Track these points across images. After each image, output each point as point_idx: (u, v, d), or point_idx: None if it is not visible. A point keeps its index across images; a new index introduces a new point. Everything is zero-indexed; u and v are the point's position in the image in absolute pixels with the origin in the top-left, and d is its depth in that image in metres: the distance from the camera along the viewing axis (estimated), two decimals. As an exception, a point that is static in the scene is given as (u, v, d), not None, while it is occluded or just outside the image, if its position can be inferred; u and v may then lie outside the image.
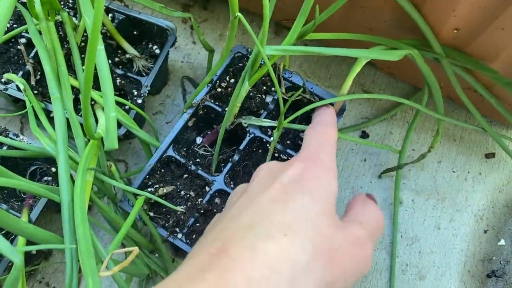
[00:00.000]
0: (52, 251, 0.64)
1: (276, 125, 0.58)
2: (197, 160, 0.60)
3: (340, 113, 0.57)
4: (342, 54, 0.48)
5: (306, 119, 0.61)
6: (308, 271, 0.34)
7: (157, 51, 0.65)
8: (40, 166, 0.62)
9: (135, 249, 0.38)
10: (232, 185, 0.58)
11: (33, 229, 0.42)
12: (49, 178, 0.57)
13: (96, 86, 0.61)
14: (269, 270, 0.32)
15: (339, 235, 0.38)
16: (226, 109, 0.60)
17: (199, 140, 0.63)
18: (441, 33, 0.50)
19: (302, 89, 0.56)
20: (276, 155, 0.59)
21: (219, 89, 0.61)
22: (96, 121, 0.57)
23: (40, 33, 0.57)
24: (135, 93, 0.60)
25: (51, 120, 0.54)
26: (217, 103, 0.60)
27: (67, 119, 0.52)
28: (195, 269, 0.32)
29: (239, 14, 0.45)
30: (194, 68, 0.73)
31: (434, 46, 0.50)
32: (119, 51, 0.64)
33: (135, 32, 0.66)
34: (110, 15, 0.64)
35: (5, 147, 0.57)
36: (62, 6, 0.63)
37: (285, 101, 0.57)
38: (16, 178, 0.44)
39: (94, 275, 0.39)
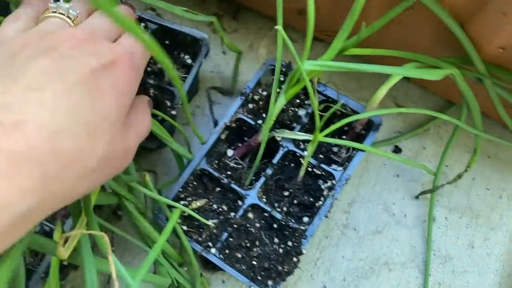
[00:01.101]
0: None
1: (310, 138, 0.57)
2: (228, 172, 0.60)
3: (375, 128, 0.57)
4: (383, 71, 0.47)
5: (339, 132, 0.61)
6: None
7: (189, 61, 0.65)
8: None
9: None
10: (264, 199, 0.57)
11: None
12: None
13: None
14: None
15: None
16: (259, 122, 0.59)
17: (230, 152, 0.62)
18: (485, 51, 0.48)
19: (340, 103, 0.55)
20: (309, 169, 0.58)
21: (251, 102, 0.60)
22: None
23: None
24: (168, 104, 0.60)
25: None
26: (249, 116, 0.59)
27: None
28: None
29: (280, 28, 0.44)
30: (223, 78, 0.73)
31: (477, 65, 0.49)
32: (151, 61, 0.64)
33: (166, 42, 0.66)
34: (142, 24, 0.64)
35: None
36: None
37: (320, 115, 0.56)
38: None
39: None
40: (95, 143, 0.33)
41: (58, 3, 0.42)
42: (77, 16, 0.41)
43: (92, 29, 0.39)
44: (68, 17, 0.40)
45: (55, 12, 0.40)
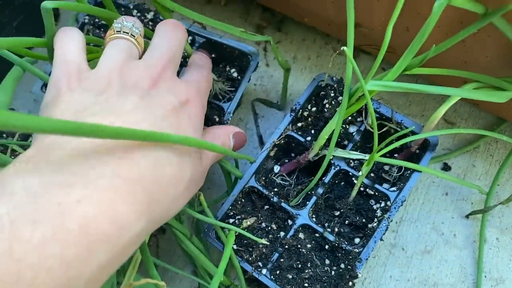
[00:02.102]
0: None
1: (365, 158, 0.56)
2: (275, 189, 0.59)
3: (432, 148, 0.55)
4: (448, 93, 0.46)
5: (391, 151, 0.59)
6: None
7: (235, 74, 0.64)
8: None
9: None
10: (314, 219, 0.56)
11: None
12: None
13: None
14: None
15: None
16: (308, 138, 0.58)
17: (276, 169, 0.61)
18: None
19: (408, 130, 0.53)
20: (361, 189, 0.56)
21: (301, 118, 0.59)
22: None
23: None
24: (217, 119, 0.59)
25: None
26: (299, 132, 0.58)
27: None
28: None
29: (346, 48, 0.43)
30: (267, 91, 0.72)
31: (544, 86, 0.47)
32: (198, 75, 0.63)
33: (213, 55, 0.65)
34: (190, 38, 0.63)
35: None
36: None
37: (371, 133, 0.55)
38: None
39: None
40: (183, 169, 0.38)
41: (122, 22, 0.43)
42: (140, 34, 0.45)
43: (162, 58, 0.43)
44: (132, 35, 0.44)
45: (119, 32, 0.42)
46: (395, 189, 0.55)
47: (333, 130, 0.51)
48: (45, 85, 0.62)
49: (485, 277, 0.62)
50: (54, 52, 0.42)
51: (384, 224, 0.53)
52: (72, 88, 0.38)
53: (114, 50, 0.41)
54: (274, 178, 0.60)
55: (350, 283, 0.51)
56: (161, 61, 0.42)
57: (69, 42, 0.42)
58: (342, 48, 0.43)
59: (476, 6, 0.42)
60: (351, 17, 0.43)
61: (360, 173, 0.54)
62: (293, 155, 0.62)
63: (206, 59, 0.56)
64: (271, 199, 0.56)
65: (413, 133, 0.55)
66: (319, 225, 0.55)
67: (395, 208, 0.53)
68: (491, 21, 0.43)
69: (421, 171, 0.54)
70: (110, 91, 0.37)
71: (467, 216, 0.64)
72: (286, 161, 0.62)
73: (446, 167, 0.66)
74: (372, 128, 0.54)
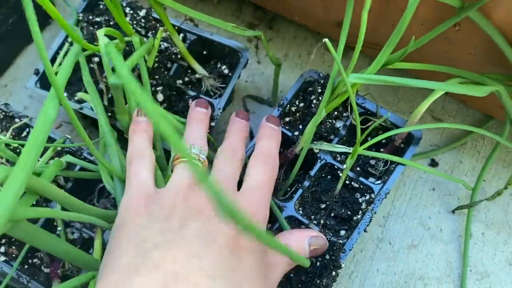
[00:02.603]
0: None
1: (349, 151, 0.57)
2: (264, 183, 0.60)
3: (416, 142, 0.56)
4: (428, 87, 0.47)
5: (377, 145, 0.60)
6: None
7: (226, 71, 0.65)
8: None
9: None
10: (300, 211, 0.57)
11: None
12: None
13: (169, 106, 0.62)
14: None
15: None
16: (295, 133, 0.59)
17: (266, 162, 0.62)
18: (533, 68, 0.48)
19: (384, 117, 0.54)
20: (346, 182, 0.57)
21: (289, 113, 0.60)
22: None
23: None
24: (206, 114, 0.60)
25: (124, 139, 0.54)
26: (287, 127, 0.59)
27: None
28: None
29: (327, 40, 0.44)
30: (258, 87, 0.73)
31: (524, 81, 0.48)
32: (189, 71, 0.65)
33: (204, 52, 0.66)
34: (181, 35, 0.65)
35: (77, 167, 0.58)
36: (135, 25, 0.63)
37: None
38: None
39: None
40: None
41: (190, 148, 0.47)
42: (205, 159, 0.48)
43: (226, 180, 0.46)
44: (199, 159, 0.47)
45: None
46: (380, 182, 0.56)
47: (317, 123, 0.52)
48: (39, 80, 0.63)
49: (470, 271, 0.62)
50: (128, 170, 0.46)
51: (368, 216, 0.54)
52: (140, 213, 0.41)
53: (181, 174, 0.44)
54: (263, 172, 0.61)
55: (334, 273, 0.52)
56: (224, 179, 0.45)
57: (141, 164, 0.46)
58: (323, 40, 0.44)
59: (452, 0, 0.43)
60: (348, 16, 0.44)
61: (345, 166, 0.55)
62: (282, 150, 0.63)
63: (276, 131, 0.55)
64: (259, 192, 0.57)
65: (398, 127, 0.56)
66: (305, 217, 0.56)
67: (378, 200, 0.54)
68: (468, 15, 0.44)
69: (404, 165, 0.55)
70: (174, 217, 0.39)
71: (453, 211, 0.65)
72: (275, 155, 0.63)
73: (433, 163, 0.67)
74: (353, 122, 0.56)
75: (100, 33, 0.48)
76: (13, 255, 0.56)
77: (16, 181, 0.30)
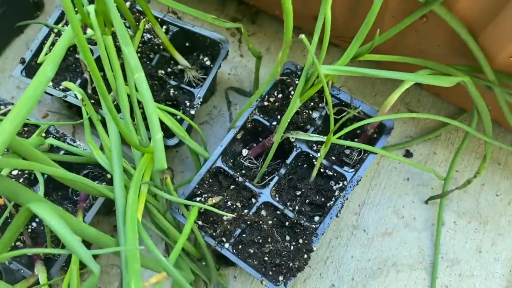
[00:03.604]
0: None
1: (324, 140, 0.59)
2: (243, 171, 0.62)
3: (387, 132, 0.58)
4: (396, 77, 0.49)
5: (351, 135, 0.62)
6: None
7: (208, 62, 0.67)
8: (91, 170, 0.64)
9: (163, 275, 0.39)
10: (277, 198, 0.59)
11: (93, 232, 0.44)
12: (104, 183, 0.59)
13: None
14: None
15: None
16: (273, 123, 0.61)
17: (245, 152, 0.64)
18: (496, 61, 0.50)
19: (358, 109, 0.56)
20: (321, 170, 0.60)
21: (267, 103, 0.62)
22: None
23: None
24: (188, 103, 0.62)
25: (105, 126, 0.56)
26: (265, 117, 0.61)
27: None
28: None
29: (303, 36, 0.46)
30: (240, 80, 0.75)
31: (487, 73, 0.50)
32: (172, 62, 0.67)
33: (187, 44, 0.68)
34: (164, 27, 0.66)
35: (62, 152, 0.60)
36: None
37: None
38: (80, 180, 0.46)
39: (137, 279, 0.40)
40: None
41: None
42: None
43: None
44: None
45: None
46: (353, 171, 0.58)
47: (293, 113, 0.54)
48: (25, 69, 0.65)
49: (442, 258, 0.65)
50: None
51: (339, 202, 0.56)
52: None
53: None
54: (242, 161, 0.63)
55: (306, 256, 0.54)
56: None
57: None
58: (300, 36, 0.46)
59: (416, -6, 0.45)
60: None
61: (319, 154, 0.57)
62: (260, 139, 0.65)
63: None
64: (237, 179, 0.59)
65: (371, 117, 0.59)
66: (281, 203, 0.58)
67: (350, 187, 0.56)
68: (432, 9, 0.46)
69: (376, 153, 0.57)
70: None
71: (426, 201, 0.67)
72: (254, 145, 0.65)
73: (408, 154, 0.69)
74: (334, 113, 0.58)
75: (90, 9, 0.50)
76: (-3, 238, 0.58)
77: (7, 127, 0.30)
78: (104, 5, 0.51)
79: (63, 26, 0.66)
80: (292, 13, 0.68)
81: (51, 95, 0.64)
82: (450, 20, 0.47)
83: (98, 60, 0.58)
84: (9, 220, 0.57)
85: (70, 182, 0.46)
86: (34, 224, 0.60)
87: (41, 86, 0.34)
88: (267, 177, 0.62)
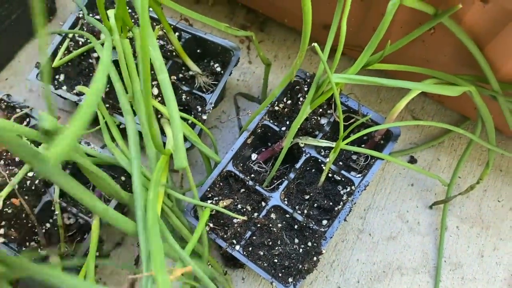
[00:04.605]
0: (120, 243, 0.68)
1: (333, 146, 0.60)
2: (252, 175, 0.63)
3: (394, 138, 0.60)
4: (405, 86, 0.50)
5: (358, 142, 0.64)
6: None
7: (218, 69, 0.69)
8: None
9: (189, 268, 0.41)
10: (286, 202, 0.60)
11: (115, 213, 0.45)
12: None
13: (163, 100, 0.65)
14: None
15: None
16: (283, 128, 0.63)
17: (254, 156, 0.66)
18: (501, 71, 0.52)
19: (368, 116, 0.58)
20: (329, 175, 0.61)
21: (276, 109, 0.64)
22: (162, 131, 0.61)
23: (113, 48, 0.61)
24: (199, 109, 0.64)
25: (121, 131, 0.58)
26: (274, 123, 0.63)
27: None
28: None
29: (316, 44, 0.48)
30: (249, 86, 0.77)
31: (492, 83, 0.52)
32: (183, 68, 0.68)
33: (198, 50, 0.70)
34: (176, 33, 0.68)
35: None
36: (134, 22, 0.67)
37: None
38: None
39: (163, 273, 0.42)
40: None
41: None
42: None
43: None
44: None
45: None
46: (360, 176, 0.60)
47: (302, 118, 0.56)
48: (41, 73, 0.66)
49: (445, 262, 0.66)
50: None
51: (348, 206, 0.57)
52: None
53: None
54: (251, 165, 0.65)
55: (315, 258, 0.55)
56: None
57: None
58: (313, 44, 0.48)
59: (426, 7, 0.47)
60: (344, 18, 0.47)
61: (328, 159, 0.59)
62: (269, 144, 0.67)
63: None
64: (247, 183, 0.61)
65: (378, 124, 0.60)
66: (290, 206, 0.59)
67: (358, 191, 0.58)
68: (441, 21, 0.48)
69: (383, 159, 0.59)
70: None
71: (430, 206, 0.69)
72: (263, 150, 0.67)
73: (412, 160, 0.71)
74: (337, 119, 0.60)
75: (110, 13, 0.51)
76: (12, 237, 0.59)
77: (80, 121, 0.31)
78: (124, 10, 0.53)
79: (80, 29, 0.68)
80: (301, 21, 0.70)
81: (65, 98, 0.66)
82: (458, 32, 0.49)
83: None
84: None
85: (93, 176, 0.47)
86: (47, 225, 0.61)
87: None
88: (275, 181, 0.63)
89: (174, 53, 0.67)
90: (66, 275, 0.33)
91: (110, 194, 0.51)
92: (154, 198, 0.49)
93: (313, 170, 0.64)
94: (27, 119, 0.65)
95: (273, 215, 0.60)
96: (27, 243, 0.60)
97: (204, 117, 0.63)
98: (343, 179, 0.60)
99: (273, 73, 0.77)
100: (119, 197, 0.51)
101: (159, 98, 0.64)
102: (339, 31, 0.67)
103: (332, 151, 0.57)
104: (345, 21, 0.45)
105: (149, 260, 0.43)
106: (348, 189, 0.60)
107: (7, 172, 0.59)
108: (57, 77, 0.67)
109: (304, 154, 0.61)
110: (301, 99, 0.63)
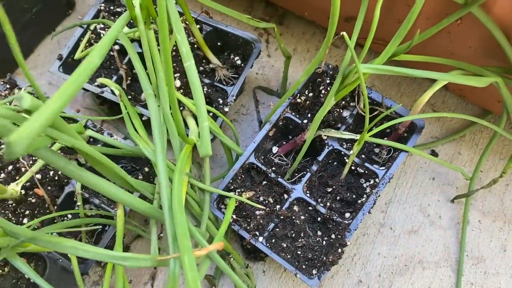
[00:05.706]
0: (140, 236, 0.68)
1: (357, 138, 0.60)
2: (273, 168, 0.63)
3: (419, 131, 0.60)
4: (432, 77, 0.50)
5: (381, 134, 0.64)
6: None
7: (238, 62, 0.68)
8: (125, 165, 0.66)
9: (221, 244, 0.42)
10: (308, 194, 0.60)
11: (137, 201, 0.45)
12: (140, 176, 0.61)
13: (185, 92, 0.65)
14: None
15: None
16: (304, 121, 0.62)
17: (275, 149, 0.65)
18: (529, 61, 0.51)
19: (393, 108, 0.58)
20: (352, 168, 0.61)
21: (299, 101, 0.64)
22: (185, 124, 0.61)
23: (132, 41, 0.61)
24: (221, 101, 0.64)
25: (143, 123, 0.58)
26: (296, 115, 0.63)
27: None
28: None
29: (345, 33, 0.47)
30: (268, 79, 0.77)
31: (521, 74, 0.52)
32: (204, 61, 0.68)
33: (218, 43, 0.70)
34: (197, 26, 0.68)
35: (99, 145, 0.61)
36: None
37: (363, 116, 0.59)
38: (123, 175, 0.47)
39: (189, 253, 0.42)
40: None
41: None
42: None
43: None
44: None
45: None
46: (384, 168, 0.59)
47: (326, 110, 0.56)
48: (62, 66, 0.67)
49: (467, 256, 0.66)
50: None
51: (372, 199, 0.57)
52: None
53: None
54: (272, 158, 0.65)
55: (340, 250, 0.55)
56: None
57: None
58: (341, 33, 0.48)
59: (456, -4, 0.46)
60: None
61: (351, 152, 0.59)
62: (290, 137, 0.67)
63: None
64: (269, 175, 0.60)
65: (401, 117, 0.60)
66: (313, 199, 0.59)
67: (382, 184, 0.58)
68: (470, 11, 0.48)
69: (407, 151, 0.58)
70: None
71: (452, 200, 0.68)
72: (284, 142, 0.66)
73: (433, 154, 0.71)
74: (364, 112, 0.59)
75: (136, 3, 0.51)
76: (36, 227, 0.59)
77: (53, 104, 0.29)
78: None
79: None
80: (322, 14, 0.70)
81: (87, 90, 0.66)
82: (487, 22, 0.49)
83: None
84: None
85: (108, 171, 0.47)
86: (69, 216, 0.61)
87: (87, 70, 0.34)
88: (296, 174, 0.63)
89: (195, 46, 0.67)
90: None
91: (117, 182, 0.51)
92: (179, 185, 0.48)
93: (335, 163, 0.63)
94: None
95: (296, 208, 0.59)
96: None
97: (226, 109, 0.63)
98: (366, 171, 0.60)
99: (292, 66, 0.76)
100: (125, 184, 0.51)
101: (181, 91, 0.64)
102: (365, 23, 0.67)
103: (356, 143, 0.57)
104: (378, 10, 0.44)
105: (175, 242, 0.43)
106: (372, 182, 0.60)
107: (30, 162, 0.60)
108: (78, 69, 0.67)
109: (327, 147, 0.61)
110: (323, 91, 0.63)
